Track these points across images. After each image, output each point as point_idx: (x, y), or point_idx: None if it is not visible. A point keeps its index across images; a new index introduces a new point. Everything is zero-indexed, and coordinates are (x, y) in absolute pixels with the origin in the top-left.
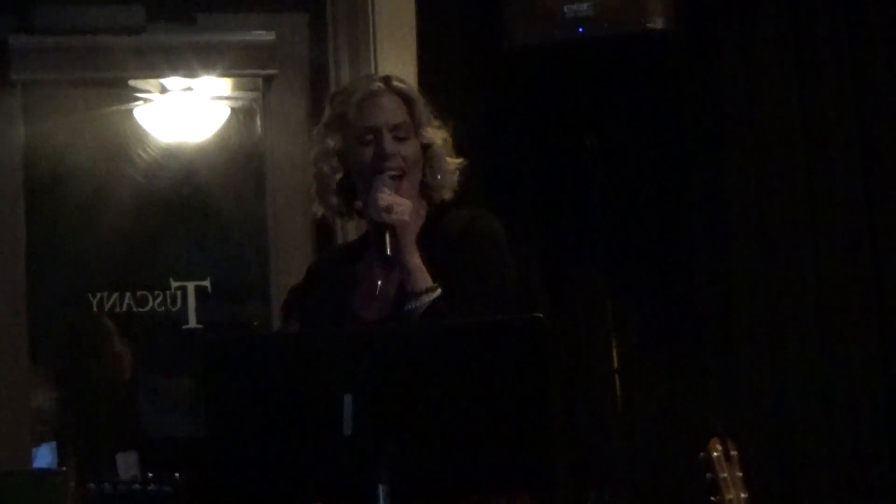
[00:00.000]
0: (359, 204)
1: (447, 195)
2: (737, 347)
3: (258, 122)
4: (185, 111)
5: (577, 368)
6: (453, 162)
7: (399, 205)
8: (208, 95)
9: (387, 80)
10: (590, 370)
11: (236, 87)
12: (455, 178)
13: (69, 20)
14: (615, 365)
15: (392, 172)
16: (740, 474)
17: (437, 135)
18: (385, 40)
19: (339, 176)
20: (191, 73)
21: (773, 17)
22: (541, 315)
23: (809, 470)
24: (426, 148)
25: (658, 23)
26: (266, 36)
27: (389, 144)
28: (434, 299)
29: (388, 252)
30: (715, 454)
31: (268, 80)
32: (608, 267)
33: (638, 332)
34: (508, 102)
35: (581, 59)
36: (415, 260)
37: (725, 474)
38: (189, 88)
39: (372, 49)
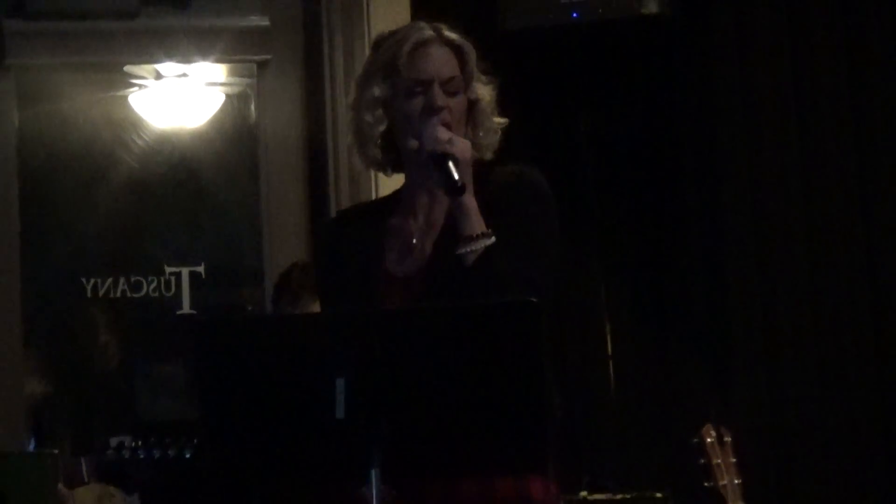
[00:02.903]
0: (413, 143)
1: (488, 155)
2: (731, 333)
3: (252, 107)
4: (179, 97)
5: (570, 353)
6: (498, 121)
7: (460, 140)
8: (203, 81)
9: (437, 28)
10: (584, 355)
11: (231, 73)
12: (497, 137)
13: (64, 5)
14: (609, 350)
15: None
16: (734, 460)
17: (484, 91)
18: (380, 25)
19: (382, 127)
20: (185, 59)
21: (767, 1)
22: (533, 298)
23: (803, 456)
24: (472, 104)
25: (652, 7)
26: (260, 21)
27: (440, 97)
28: (488, 246)
29: (457, 178)
30: (709, 440)
31: (262, 65)
32: (602, 251)
33: (632, 317)
34: (503, 87)
35: (575, 44)
36: (472, 201)
37: (719, 460)
38: (184, 74)
39: (367, 34)
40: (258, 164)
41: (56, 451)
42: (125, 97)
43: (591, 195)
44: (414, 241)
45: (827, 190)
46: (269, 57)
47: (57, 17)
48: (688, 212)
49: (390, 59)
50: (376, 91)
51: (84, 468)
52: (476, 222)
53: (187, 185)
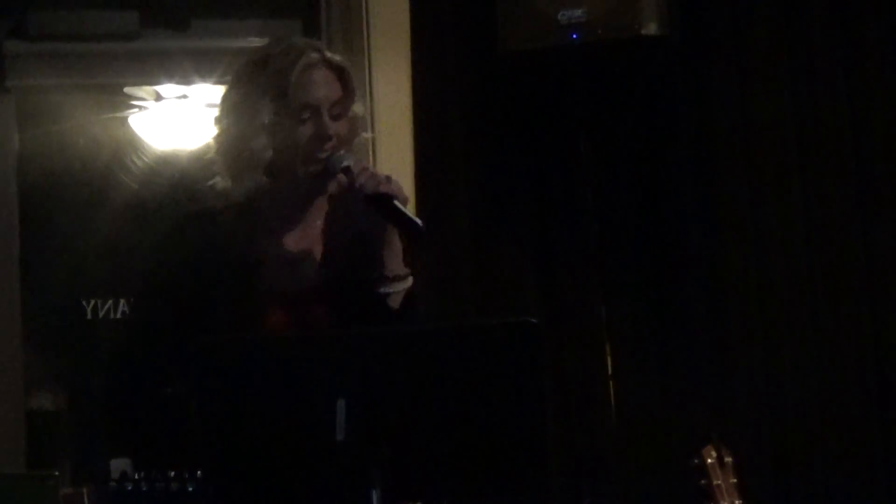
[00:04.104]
0: (343, 178)
1: None
2: (731, 353)
3: None
4: (179, 118)
5: (571, 374)
6: (365, 137)
7: (391, 178)
8: (203, 102)
9: (320, 49)
10: (584, 376)
11: None
12: (365, 151)
13: (64, 26)
14: (609, 371)
15: (327, 154)
16: (734, 481)
17: (359, 108)
18: (379, 47)
19: (269, 154)
20: (185, 80)
21: (767, 23)
22: (534, 318)
23: (804, 477)
24: (351, 122)
25: (652, 28)
26: (260, 42)
27: (329, 125)
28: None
29: (419, 221)
30: (709, 461)
31: None
32: (602, 272)
33: (632, 338)
34: (503, 108)
35: (575, 65)
36: (398, 240)
37: (719, 481)
38: (184, 96)
39: (366, 55)
40: None
41: (56, 473)
42: (125, 118)
43: (591, 216)
44: (295, 253)
45: (828, 209)
46: None
47: (57, 39)
48: (688, 232)
49: (276, 83)
50: (264, 118)
51: (86, 499)
52: (400, 262)
53: (187, 206)
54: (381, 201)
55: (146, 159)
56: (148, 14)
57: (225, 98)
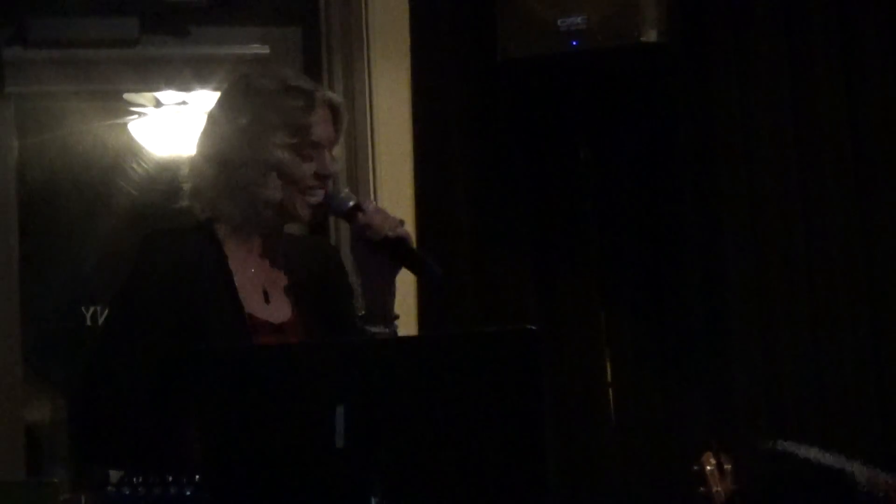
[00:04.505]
0: (362, 217)
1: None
2: (731, 361)
3: None
4: (179, 125)
5: (570, 381)
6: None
7: (399, 219)
8: (203, 109)
9: (319, 88)
10: (583, 383)
11: None
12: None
13: (63, 33)
14: (609, 378)
15: (321, 192)
16: (734, 487)
17: (339, 151)
18: (378, 54)
19: (280, 193)
20: (185, 87)
21: (767, 29)
22: (533, 326)
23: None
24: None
25: (652, 35)
26: (260, 49)
27: (332, 164)
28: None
29: (435, 268)
30: (708, 468)
31: None
32: (602, 279)
33: (631, 345)
34: (503, 115)
35: (575, 72)
36: (395, 281)
37: (719, 488)
38: (183, 102)
39: (365, 63)
40: None
41: (56, 480)
42: (125, 125)
43: (591, 222)
44: (265, 288)
45: (827, 215)
46: None
47: (56, 45)
48: (688, 239)
49: (288, 121)
50: (280, 155)
51: None
52: (393, 305)
53: (187, 213)
54: (398, 244)
55: (146, 166)
56: (148, 20)
57: (217, 126)
